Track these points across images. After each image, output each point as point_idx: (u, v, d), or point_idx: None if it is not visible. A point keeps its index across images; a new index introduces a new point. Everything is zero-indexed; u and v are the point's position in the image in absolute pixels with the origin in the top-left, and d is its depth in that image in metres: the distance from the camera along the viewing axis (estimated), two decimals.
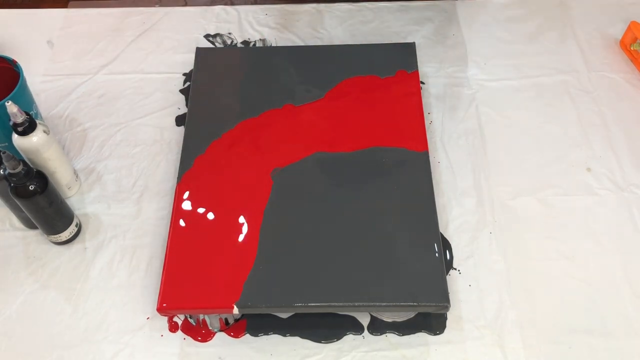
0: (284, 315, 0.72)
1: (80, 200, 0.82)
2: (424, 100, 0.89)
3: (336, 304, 0.68)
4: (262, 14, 1.03)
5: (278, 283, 0.69)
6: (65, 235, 0.76)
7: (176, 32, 1.01)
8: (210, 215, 0.75)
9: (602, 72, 0.93)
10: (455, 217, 0.79)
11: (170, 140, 0.88)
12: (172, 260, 0.71)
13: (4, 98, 0.73)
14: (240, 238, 0.73)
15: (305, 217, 0.74)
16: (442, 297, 0.67)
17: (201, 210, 0.75)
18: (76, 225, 0.78)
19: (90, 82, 0.95)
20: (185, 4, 1.05)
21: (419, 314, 0.72)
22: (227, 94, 0.87)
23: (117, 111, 0.91)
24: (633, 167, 0.83)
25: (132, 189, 0.83)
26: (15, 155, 0.67)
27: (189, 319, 0.72)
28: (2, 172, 0.69)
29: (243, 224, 0.74)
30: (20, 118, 0.71)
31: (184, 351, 0.70)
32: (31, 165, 0.70)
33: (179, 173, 0.79)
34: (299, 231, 0.73)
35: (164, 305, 0.68)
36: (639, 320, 0.71)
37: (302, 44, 0.98)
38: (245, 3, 1.04)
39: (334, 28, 1.00)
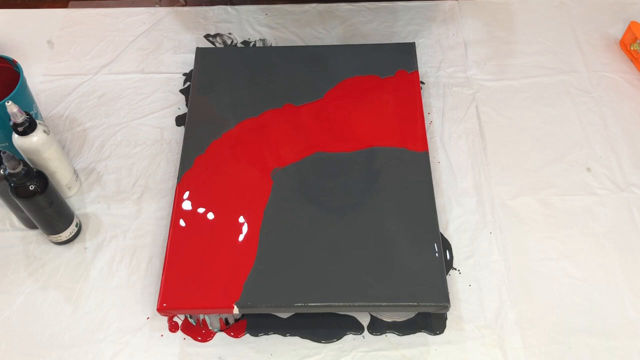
0: (284, 315, 0.72)
1: (80, 200, 0.82)
2: (424, 100, 0.89)
3: (336, 304, 0.68)
4: (262, 14, 1.03)
5: (278, 283, 0.69)
6: (65, 235, 0.76)
7: (176, 32, 1.01)
8: (210, 215, 0.75)
9: (602, 72, 0.93)
10: (455, 217, 0.79)
11: (170, 140, 0.88)
12: (172, 260, 0.71)
13: (4, 98, 0.73)
14: (240, 238, 0.73)
15: (305, 217, 0.74)
16: (442, 297, 0.67)
17: (201, 210, 0.75)
18: (76, 225, 0.78)
19: (90, 82, 0.95)
20: (185, 4, 1.05)
21: (419, 314, 0.72)
22: (227, 94, 0.87)
23: (117, 111, 0.91)
24: (633, 167, 0.83)
25: (132, 189, 0.83)
26: (16, 155, 0.67)
27: (189, 319, 0.72)
28: (2, 172, 0.69)
29: (243, 224, 0.74)
30: (20, 118, 0.71)
31: (184, 351, 0.70)
32: (31, 165, 0.70)
33: (179, 173, 0.79)
34: (299, 231, 0.73)
35: (164, 305, 0.68)
36: (639, 320, 0.71)
37: (302, 44, 0.98)
38: (245, 3, 1.04)
39: (334, 28, 1.00)
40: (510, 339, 0.70)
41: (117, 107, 0.92)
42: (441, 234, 0.77)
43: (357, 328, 0.71)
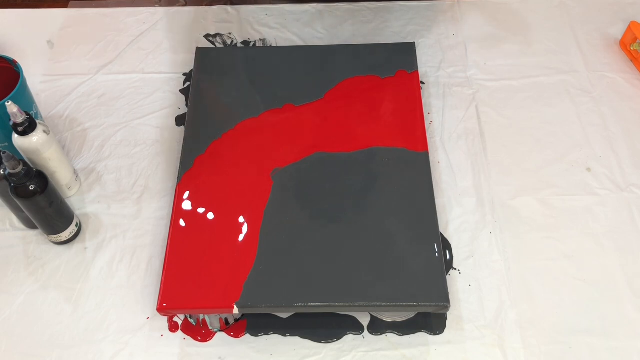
0: (284, 315, 0.72)
1: (80, 200, 0.82)
2: (424, 100, 0.89)
3: (336, 304, 0.68)
4: (262, 14, 1.03)
5: (278, 283, 0.69)
6: (65, 235, 0.76)
7: (176, 32, 1.01)
8: (210, 215, 0.75)
9: (602, 72, 0.93)
10: (455, 217, 0.79)
11: (170, 140, 0.88)
12: (172, 260, 0.71)
13: (4, 98, 0.73)
14: (240, 238, 0.73)
15: (305, 217, 0.74)
16: (442, 297, 0.67)
17: (201, 210, 0.75)
18: (76, 225, 0.78)
19: (90, 82, 0.95)
20: (185, 4, 1.05)
21: (419, 314, 0.72)
22: (227, 94, 0.87)
23: (117, 111, 0.91)
24: (633, 167, 0.83)
25: (132, 189, 0.83)
26: (16, 155, 0.67)
27: (189, 319, 0.72)
28: (2, 172, 0.69)
29: (243, 224, 0.74)
30: (20, 118, 0.71)
31: (184, 351, 0.70)
32: (31, 165, 0.70)
33: (179, 173, 0.79)
34: (299, 231, 0.73)
35: (164, 305, 0.68)
36: (639, 320, 0.71)
37: (302, 44, 0.98)
38: (245, 3, 1.04)
39: (334, 28, 1.00)
40: (510, 339, 0.70)
41: (117, 107, 0.92)
42: (441, 234, 0.77)
43: (357, 328, 0.71)
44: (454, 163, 0.84)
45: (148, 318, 0.72)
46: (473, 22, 1.00)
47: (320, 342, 0.70)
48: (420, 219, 0.73)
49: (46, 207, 0.72)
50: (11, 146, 0.75)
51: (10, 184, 0.69)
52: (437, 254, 0.71)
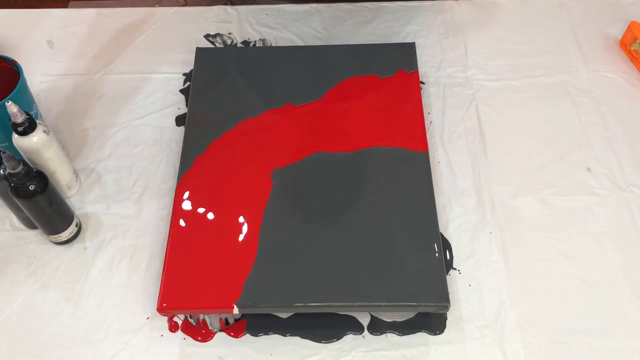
0: (284, 315, 0.72)
1: (80, 200, 0.82)
2: (424, 100, 0.89)
3: (336, 304, 0.68)
4: (262, 14, 1.03)
5: (278, 283, 0.69)
6: (65, 235, 0.76)
7: (176, 32, 1.01)
8: (210, 215, 0.75)
9: (602, 72, 0.93)
10: (455, 217, 0.79)
11: (170, 140, 0.88)
12: (172, 260, 0.71)
13: (4, 98, 0.73)
14: (240, 238, 0.73)
15: (305, 217, 0.74)
16: (442, 297, 0.67)
17: (201, 210, 0.75)
18: (76, 225, 0.78)
19: (90, 82, 0.95)
20: (185, 4, 1.05)
21: (419, 314, 0.72)
22: (227, 94, 0.87)
23: (117, 111, 0.91)
24: (633, 167, 0.83)
25: (132, 189, 0.83)
26: (16, 155, 0.67)
27: (189, 319, 0.72)
28: (2, 172, 0.69)
29: (243, 224, 0.74)
30: (20, 118, 0.71)
31: (184, 351, 0.70)
32: (31, 165, 0.70)
33: (179, 173, 0.79)
34: (299, 231, 0.73)
35: (164, 305, 0.68)
36: (639, 320, 0.71)
37: (302, 44, 0.98)
38: (245, 3, 1.04)
39: (334, 28, 1.00)
40: (510, 339, 0.70)
41: (117, 107, 0.92)
42: (441, 234, 0.77)
43: (357, 328, 0.71)
44: (454, 163, 0.84)
45: (148, 318, 0.72)
46: (473, 22, 1.00)
47: (320, 342, 0.70)
48: (420, 219, 0.73)
49: (46, 207, 0.72)
50: (11, 146, 0.75)
51: (10, 184, 0.69)
52: (437, 254, 0.71)
